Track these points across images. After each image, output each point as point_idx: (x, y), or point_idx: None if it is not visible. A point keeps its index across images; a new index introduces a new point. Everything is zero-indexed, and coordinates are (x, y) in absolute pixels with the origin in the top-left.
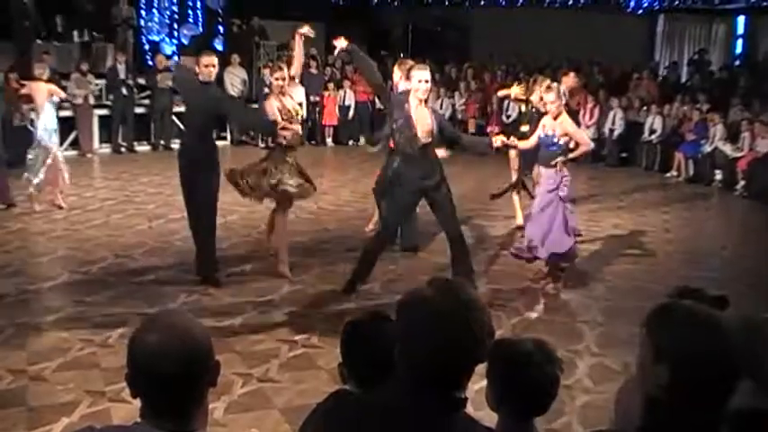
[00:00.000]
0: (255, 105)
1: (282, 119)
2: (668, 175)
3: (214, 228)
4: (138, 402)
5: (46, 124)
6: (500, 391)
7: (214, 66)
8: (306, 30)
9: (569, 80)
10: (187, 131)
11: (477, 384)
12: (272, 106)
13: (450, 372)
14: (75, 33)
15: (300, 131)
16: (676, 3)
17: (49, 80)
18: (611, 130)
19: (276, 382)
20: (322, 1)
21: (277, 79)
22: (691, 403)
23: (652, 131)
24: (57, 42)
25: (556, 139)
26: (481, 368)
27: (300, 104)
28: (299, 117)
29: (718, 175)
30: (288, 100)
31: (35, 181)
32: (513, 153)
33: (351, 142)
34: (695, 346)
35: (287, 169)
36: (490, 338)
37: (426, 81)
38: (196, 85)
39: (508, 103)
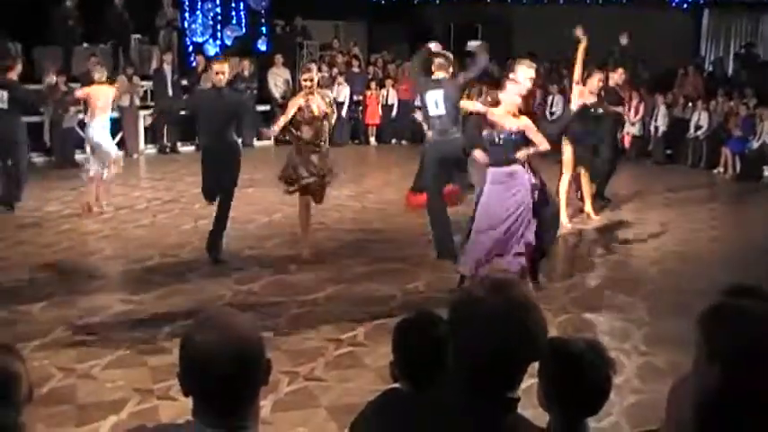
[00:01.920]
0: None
1: (299, 118)
2: (715, 171)
3: (227, 218)
4: (186, 400)
5: (102, 125)
6: (552, 391)
7: (224, 73)
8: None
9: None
10: (207, 135)
11: (525, 383)
12: (294, 105)
13: (503, 372)
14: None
15: (321, 130)
16: None
17: (108, 81)
18: (657, 127)
19: (322, 380)
20: (364, 0)
21: (305, 80)
22: (745, 403)
23: (698, 127)
24: (102, 45)
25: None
26: (530, 367)
27: (342, 104)
28: (322, 117)
29: (767, 172)
30: (316, 100)
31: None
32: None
33: (394, 141)
34: (749, 345)
35: (302, 163)
36: (543, 337)
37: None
38: (210, 93)
39: (552, 99)
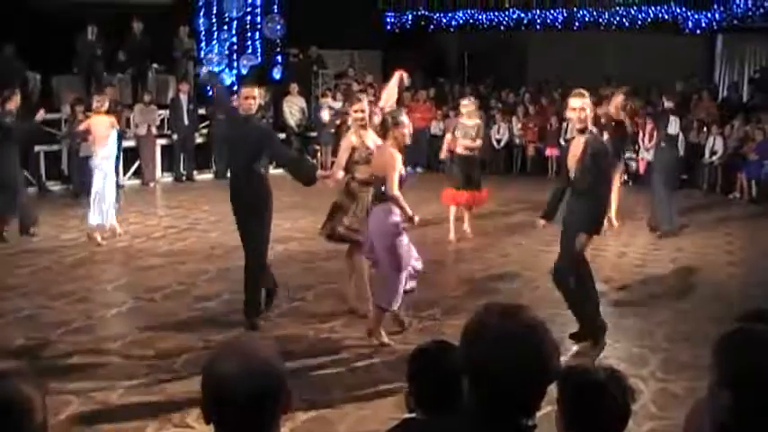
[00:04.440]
0: (314, 133)
1: (355, 159)
2: (730, 196)
3: (261, 270)
4: (204, 428)
5: (104, 156)
6: (570, 419)
7: (254, 98)
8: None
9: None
10: (232, 166)
11: (544, 410)
12: (348, 144)
13: (518, 397)
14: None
15: None
16: (735, 22)
17: (108, 112)
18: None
19: (338, 408)
20: (378, 29)
21: (356, 111)
22: (758, 427)
23: (713, 153)
24: (120, 74)
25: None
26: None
27: None
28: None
29: None
30: (370, 135)
31: (91, 222)
32: None
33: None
34: (760, 369)
35: (353, 208)
36: (557, 361)
37: (574, 109)
38: (237, 119)
39: (566, 126)
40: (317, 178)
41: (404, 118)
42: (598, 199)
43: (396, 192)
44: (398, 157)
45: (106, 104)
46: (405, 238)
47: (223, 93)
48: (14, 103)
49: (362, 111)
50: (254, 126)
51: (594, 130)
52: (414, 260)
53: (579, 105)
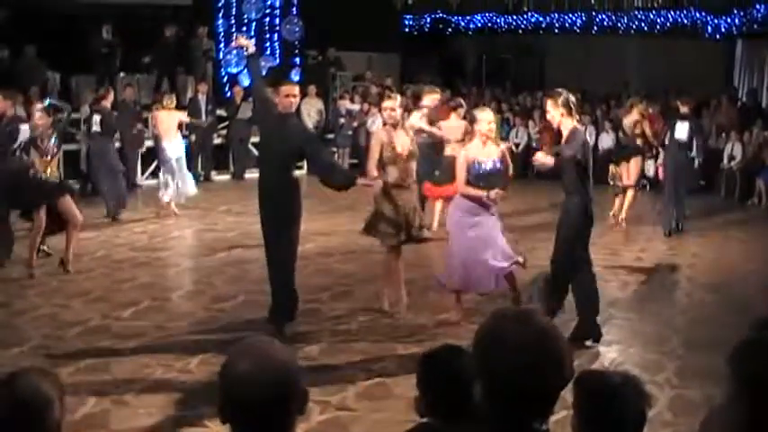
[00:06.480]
0: (331, 135)
1: (384, 156)
2: (748, 202)
3: (287, 276)
4: (220, 428)
5: (176, 148)
6: (585, 424)
7: (295, 96)
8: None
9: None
10: (263, 166)
11: (560, 414)
12: (377, 141)
13: (531, 401)
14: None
15: (408, 169)
16: (755, 27)
17: (177, 108)
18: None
19: (353, 410)
20: (396, 31)
21: (385, 109)
22: None
23: (731, 158)
24: (139, 75)
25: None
26: (561, 399)
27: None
28: (407, 155)
29: None
30: (400, 134)
31: (166, 198)
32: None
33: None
34: None
35: (390, 211)
36: (570, 365)
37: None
38: (275, 117)
39: (584, 130)
40: (353, 184)
41: (482, 115)
42: (584, 193)
43: (462, 187)
44: (463, 154)
45: (174, 102)
46: (469, 232)
47: (259, 70)
48: (109, 100)
49: (393, 109)
50: (292, 125)
51: (579, 127)
52: (491, 258)
53: (546, 108)
